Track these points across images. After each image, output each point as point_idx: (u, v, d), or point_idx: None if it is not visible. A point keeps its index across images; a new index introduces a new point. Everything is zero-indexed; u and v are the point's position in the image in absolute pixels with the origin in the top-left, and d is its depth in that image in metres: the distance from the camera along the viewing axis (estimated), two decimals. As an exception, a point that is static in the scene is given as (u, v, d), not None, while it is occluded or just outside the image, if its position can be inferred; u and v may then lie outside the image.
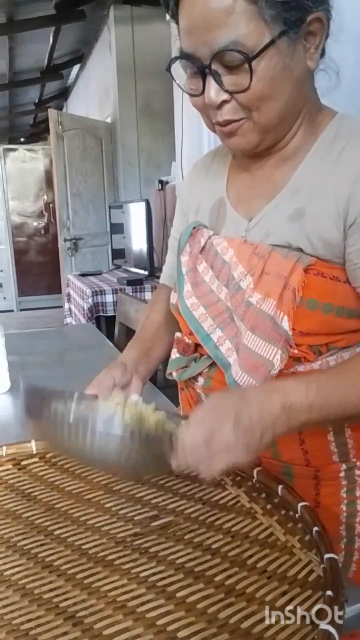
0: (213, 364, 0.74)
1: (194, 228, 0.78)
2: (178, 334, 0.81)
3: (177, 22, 0.64)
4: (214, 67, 0.60)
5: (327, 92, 0.69)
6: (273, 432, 0.55)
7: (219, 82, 0.61)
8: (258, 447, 0.55)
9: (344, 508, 0.72)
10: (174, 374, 0.81)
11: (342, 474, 0.71)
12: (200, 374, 0.76)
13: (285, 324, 0.64)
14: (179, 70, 0.66)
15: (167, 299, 0.89)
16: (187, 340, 0.78)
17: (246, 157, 0.73)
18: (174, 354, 0.82)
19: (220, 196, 0.78)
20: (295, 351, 0.65)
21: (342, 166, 0.64)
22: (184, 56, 0.63)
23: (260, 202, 0.71)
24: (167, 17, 0.66)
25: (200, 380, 0.76)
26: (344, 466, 0.71)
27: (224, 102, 0.63)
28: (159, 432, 0.62)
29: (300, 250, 0.65)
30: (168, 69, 0.66)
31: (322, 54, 0.66)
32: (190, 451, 0.54)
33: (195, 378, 0.77)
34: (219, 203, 0.78)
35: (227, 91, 0.61)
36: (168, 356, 0.86)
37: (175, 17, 0.64)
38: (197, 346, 0.77)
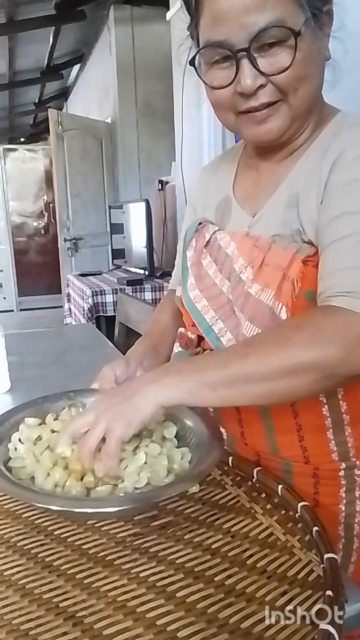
0: None
1: (200, 224, 0.80)
2: (181, 329, 0.83)
3: (192, 15, 0.64)
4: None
5: (330, 88, 0.69)
6: (146, 396, 0.58)
7: (256, 66, 0.61)
8: (136, 412, 0.57)
9: (343, 508, 0.72)
10: None
11: (341, 473, 0.71)
12: None
13: (284, 315, 0.64)
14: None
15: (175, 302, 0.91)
16: (189, 335, 0.79)
17: (259, 152, 0.74)
18: (176, 348, 0.83)
19: (227, 194, 0.79)
20: None
21: (330, 152, 0.65)
22: (215, 44, 0.62)
23: (263, 198, 0.72)
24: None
25: None
26: (343, 465, 0.71)
27: (260, 87, 0.62)
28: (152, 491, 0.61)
29: (298, 233, 0.66)
30: (192, 63, 0.66)
31: None
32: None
33: None
34: (224, 201, 0.79)
35: (264, 74, 0.61)
36: None
37: (196, 7, 0.63)
38: (199, 341, 0.78)
